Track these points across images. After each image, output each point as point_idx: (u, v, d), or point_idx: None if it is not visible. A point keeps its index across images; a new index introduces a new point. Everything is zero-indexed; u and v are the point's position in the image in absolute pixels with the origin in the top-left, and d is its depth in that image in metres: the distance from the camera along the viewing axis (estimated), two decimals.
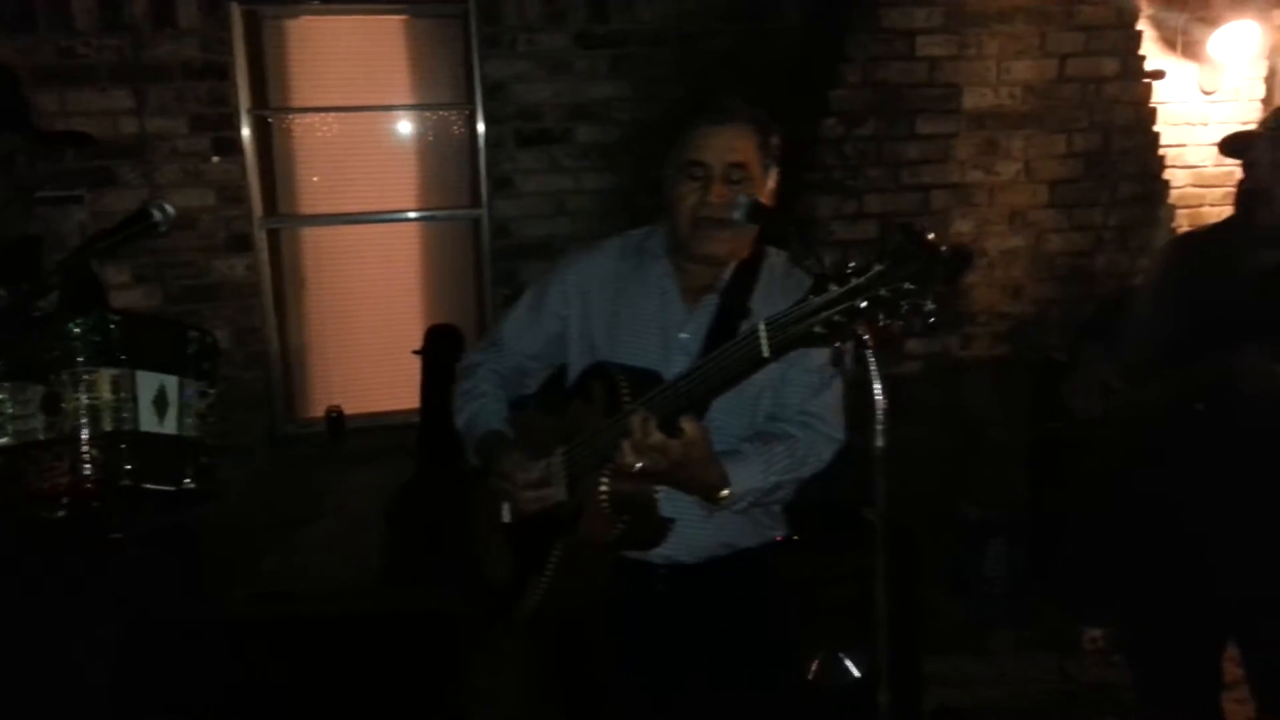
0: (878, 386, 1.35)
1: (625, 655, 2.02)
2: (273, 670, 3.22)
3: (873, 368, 1.36)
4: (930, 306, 1.29)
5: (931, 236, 1.28)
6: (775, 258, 1.97)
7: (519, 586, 1.97)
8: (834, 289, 1.35)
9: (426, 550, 3.70)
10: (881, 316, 1.31)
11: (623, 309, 1.97)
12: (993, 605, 3.84)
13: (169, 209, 2.16)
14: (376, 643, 3.34)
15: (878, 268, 1.31)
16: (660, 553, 1.90)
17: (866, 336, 1.35)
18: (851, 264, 1.34)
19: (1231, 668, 2.40)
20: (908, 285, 1.28)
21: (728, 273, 1.93)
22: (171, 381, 2.17)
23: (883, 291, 1.30)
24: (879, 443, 1.36)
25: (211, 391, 2.25)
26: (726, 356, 1.56)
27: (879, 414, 1.36)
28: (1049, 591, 3.80)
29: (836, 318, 1.35)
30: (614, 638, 2.03)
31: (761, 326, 1.47)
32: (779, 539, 2.07)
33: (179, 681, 3.18)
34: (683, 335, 1.92)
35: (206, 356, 2.26)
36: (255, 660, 3.23)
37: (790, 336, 1.43)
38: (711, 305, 1.92)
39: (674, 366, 1.84)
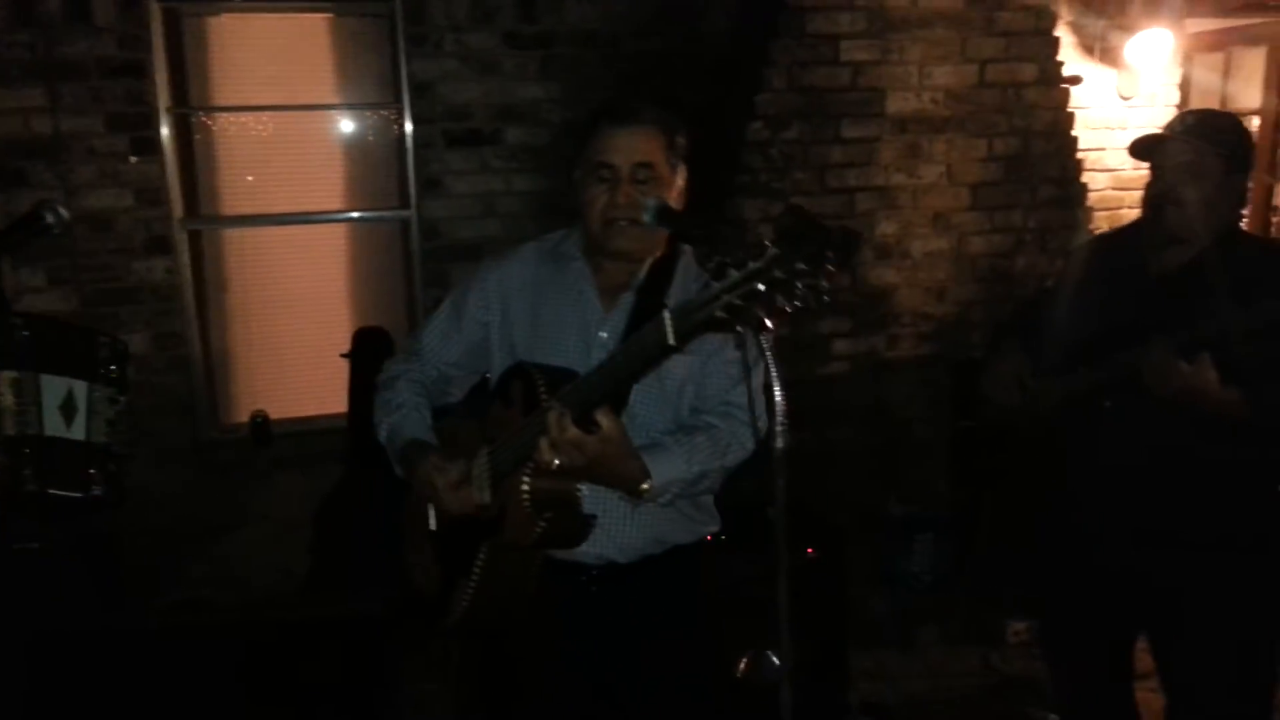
0: (775, 374, 1.37)
1: (561, 655, 2.02)
2: (198, 679, 3.16)
3: (769, 356, 1.38)
4: (825, 285, 1.33)
5: (818, 217, 1.32)
6: (690, 255, 1.99)
7: (448, 592, 1.96)
8: (733, 274, 1.38)
9: (355, 556, 3.66)
10: (779, 298, 1.34)
11: (542, 312, 1.99)
12: (919, 599, 3.91)
13: (63, 211, 2.12)
14: (305, 650, 3.29)
15: (772, 251, 1.34)
16: (593, 552, 1.91)
17: (768, 322, 1.38)
18: (747, 250, 1.38)
19: (1147, 658, 2.46)
20: (800, 266, 1.32)
21: (643, 271, 1.95)
22: (80, 387, 2.13)
23: (778, 273, 1.33)
24: (779, 443, 1.39)
25: (122, 399, 2.22)
26: (634, 346, 1.59)
27: (778, 410, 1.38)
28: (974, 586, 3.87)
29: (736, 301, 1.37)
30: (548, 639, 2.02)
31: (666, 315, 1.49)
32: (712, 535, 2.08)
33: (97, 693, 3.11)
34: (602, 334, 1.93)
35: (117, 362, 2.23)
36: (179, 669, 3.17)
37: (693, 323, 1.45)
38: (628, 304, 1.94)
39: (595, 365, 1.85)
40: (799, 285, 1.32)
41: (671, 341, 1.49)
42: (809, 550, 3.14)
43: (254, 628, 3.39)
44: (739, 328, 1.40)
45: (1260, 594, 2.22)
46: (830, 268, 1.32)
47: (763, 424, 1.91)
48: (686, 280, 1.95)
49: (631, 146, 1.87)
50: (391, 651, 3.35)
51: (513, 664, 2.12)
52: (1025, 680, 3.48)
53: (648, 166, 1.87)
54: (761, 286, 1.34)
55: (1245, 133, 2.27)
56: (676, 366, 1.87)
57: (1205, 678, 2.24)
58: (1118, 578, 2.30)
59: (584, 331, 1.94)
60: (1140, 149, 2.26)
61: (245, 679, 3.20)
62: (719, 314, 1.39)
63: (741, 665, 2.99)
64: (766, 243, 1.35)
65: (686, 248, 1.99)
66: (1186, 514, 2.18)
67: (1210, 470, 2.14)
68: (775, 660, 2.97)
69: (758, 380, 1.43)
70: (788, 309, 1.34)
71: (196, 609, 3.71)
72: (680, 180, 1.94)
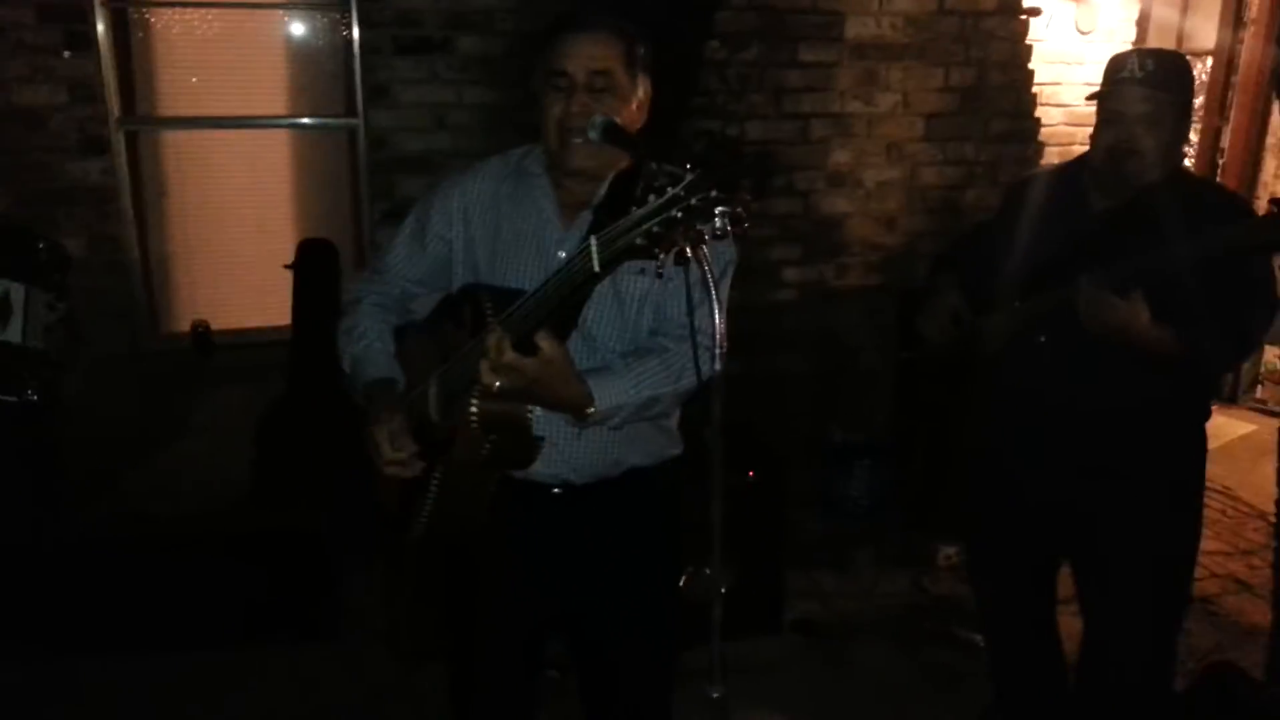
0: (715, 300, 1.40)
1: (516, 571, 2.02)
2: (136, 591, 3.15)
3: (710, 280, 1.40)
4: (743, 213, 1.33)
5: (738, 145, 1.33)
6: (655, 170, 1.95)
7: (406, 508, 1.97)
8: (653, 200, 1.37)
9: (296, 470, 3.64)
10: (697, 225, 1.34)
11: (503, 229, 1.95)
12: (856, 523, 4.01)
13: None
14: (244, 563, 3.29)
15: (688, 178, 1.34)
16: (548, 472, 1.91)
17: (689, 251, 1.39)
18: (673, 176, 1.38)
19: (1067, 583, 2.55)
20: (715, 193, 1.32)
21: (604, 188, 1.89)
22: (17, 289, 2.08)
23: (694, 200, 1.33)
24: (717, 366, 1.40)
25: (61, 305, 2.17)
26: (564, 273, 1.57)
27: (717, 336, 1.40)
28: (908, 512, 3.97)
29: (655, 228, 1.37)
30: (505, 555, 2.02)
31: (593, 241, 1.49)
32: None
33: (35, 602, 3.09)
34: (560, 254, 1.88)
35: (57, 268, 2.17)
36: (117, 581, 3.15)
37: (616, 250, 1.45)
38: (586, 222, 1.89)
39: None
40: (716, 212, 1.32)
41: (596, 269, 1.48)
42: (750, 473, 3.19)
43: (193, 540, 3.37)
44: (660, 254, 1.40)
45: (1177, 525, 2.31)
46: (746, 195, 1.32)
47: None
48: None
49: (587, 54, 1.81)
50: (334, 565, 3.37)
51: (469, 580, 2.12)
52: (953, 601, 3.60)
53: (605, 74, 1.82)
54: (678, 214, 1.34)
55: (1192, 75, 2.29)
56: (635, 287, 1.86)
57: (1120, 604, 2.33)
58: (1043, 506, 2.37)
59: (542, 250, 1.91)
60: (1099, 96, 2.24)
61: (183, 591, 3.20)
62: (639, 241, 1.39)
63: (681, 581, 3.05)
64: (686, 169, 1.34)
65: (653, 162, 1.95)
66: (1113, 447, 2.24)
67: (1138, 405, 2.20)
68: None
69: (706, 305, 1.43)
70: (708, 236, 1.34)
71: (135, 521, 3.67)
72: (641, 92, 1.90)
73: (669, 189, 1.35)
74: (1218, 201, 2.27)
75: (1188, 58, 2.36)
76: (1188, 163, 3.02)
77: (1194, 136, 6.63)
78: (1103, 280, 2.07)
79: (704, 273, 1.43)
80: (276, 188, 4.30)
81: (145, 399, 3.95)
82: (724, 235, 1.34)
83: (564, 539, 1.98)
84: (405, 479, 1.93)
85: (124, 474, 3.91)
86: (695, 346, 1.58)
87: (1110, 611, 2.36)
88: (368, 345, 1.99)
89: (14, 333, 2.07)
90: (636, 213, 1.40)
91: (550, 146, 1.89)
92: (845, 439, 4.02)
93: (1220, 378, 2.63)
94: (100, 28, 3.79)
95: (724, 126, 3.87)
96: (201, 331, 4.07)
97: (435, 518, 1.93)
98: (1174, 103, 2.16)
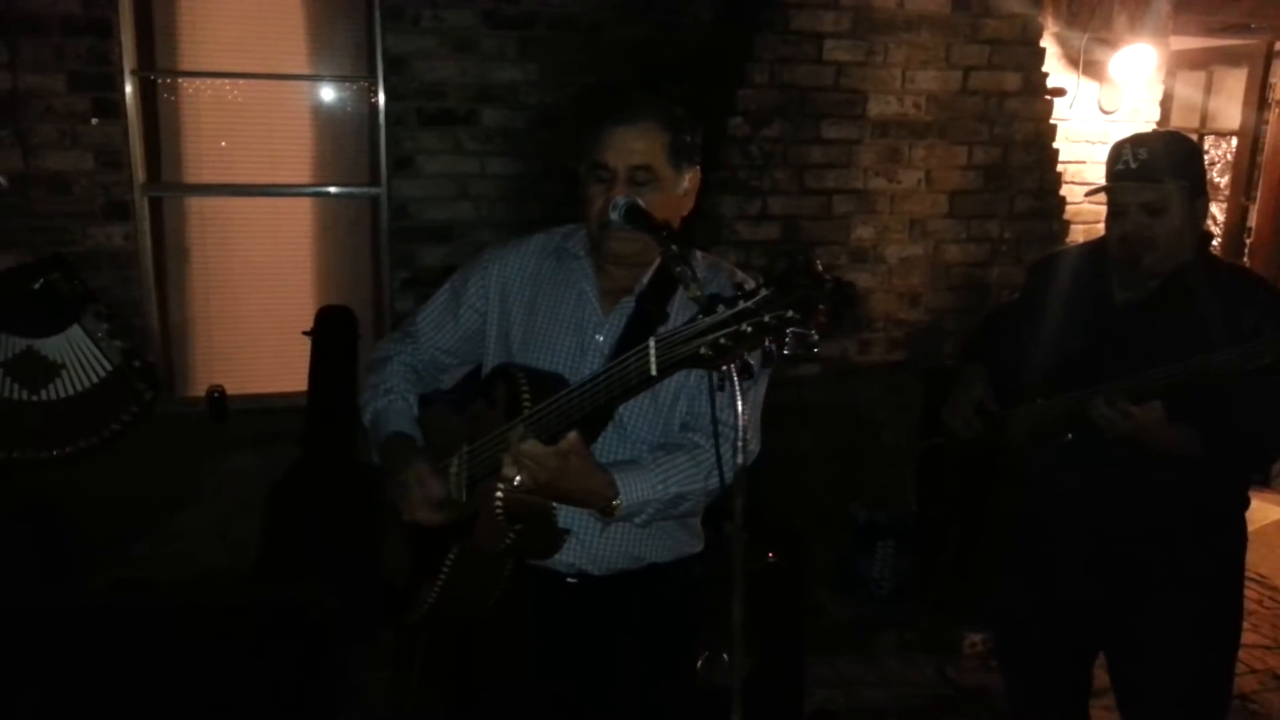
0: (741, 407, 1.35)
1: (526, 659, 1.97)
2: (135, 661, 3.08)
3: (738, 391, 1.36)
4: (814, 337, 1.27)
5: (819, 267, 1.28)
6: (699, 261, 1.90)
7: (414, 586, 1.92)
8: (722, 310, 1.32)
9: (308, 540, 3.59)
10: (767, 341, 1.29)
11: (540, 308, 1.93)
12: (878, 606, 3.89)
13: (1, 180, 2.09)
14: (248, 634, 3.21)
15: (764, 293, 1.29)
16: (565, 561, 1.87)
17: (750, 362, 1.35)
18: (740, 288, 1.34)
19: (1101, 675, 2.45)
20: (791, 314, 1.26)
21: (647, 275, 1.88)
22: (74, 332, 2.28)
23: (767, 318, 1.28)
24: (740, 460, 1.36)
25: (101, 305, 2.34)
26: (617, 372, 1.52)
27: (740, 434, 1.36)
28: (933, 595, 3.85)
29: (722, 341, 1.32)
30: (515, 641, 1.97)
31: (652, 344, 1.44)
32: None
33: (36, 668, 3.02)
34: (598, 338, 1.87)
35: (70, 281, 2.33)
36: (117, 649, 3.08)
37: (676, 357, 1.40)
38: (628, 309, 1.87)
39: (588, 370, 1.79)
40: (787, 332, 1.27)
41: (654, 373, 1.44)
42: (770, 555, 3.10)
43: (197, 609, 3.31)
44: (722, 366, 1.35)
45: (1215, 618, 2.23)
46: (822, 319, 1.26)
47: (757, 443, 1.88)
48: None
49: (629, 147, 1.79)
50: (337, 640, 3.29)
51: (477, 661, 2.07)
52: (978, 693, 3.47)
53: (646, 169, 1.79)
54: (748, 329, 1.29)
55: (1199, 153, 2.25)
56: (671, 380, 1.79)
57: (1159, 701, 2.24)
58: (1076, 601, 2.29)
59: (580, 333, 1.88)
60: (1102, 190, 2.21)
61: (183, 662, 3.12)
62: (704, 351, 1.35)
63: (696, 666, 2.95)
64: (758, 284, 1.30)
65: (697, 252, 1.90)
66: (1146, 542, 2.18)
67: (1170, 500, 2.14)
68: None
69: (746, 402, 1.38)
70: (775, 357, 1.30)
71: (140, 588, 3.61)
72: (687, 182, 1.87)
73: (741, 301, 1.31)
74: (1243, 290, 2.19)
75: (1188, 135, 2.33)
76: (1215, 242, 2.96)
77: (1221, 215, 6.63)
78: (1124, 387, 2.05)
79: (734, 379, 1.38)
80: (298, 255, 4.32)
81: (158, 463, 3.91)
82: (791, 356, 1.29)
83: (575, 628, 1.93)
84: (417, 559, 1.90)
85: (133, 538, 3.87)
86: (718, 443, 1.53)
87: (1147, 708, 2.28)
88: (392, 402, 1.97)
89: (97, 365, 2.21)
90: (703, 321, 1.35)
91: (590, 234, 1.88)
92: (868, 517, 3.92)
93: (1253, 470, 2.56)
94: (129, 95, 3.84)
95: (712, 204, 3.87)
96: (217, 396, 4.05)
97: (443, 599, 1.87)
98: (1178, 187, 2.11)
